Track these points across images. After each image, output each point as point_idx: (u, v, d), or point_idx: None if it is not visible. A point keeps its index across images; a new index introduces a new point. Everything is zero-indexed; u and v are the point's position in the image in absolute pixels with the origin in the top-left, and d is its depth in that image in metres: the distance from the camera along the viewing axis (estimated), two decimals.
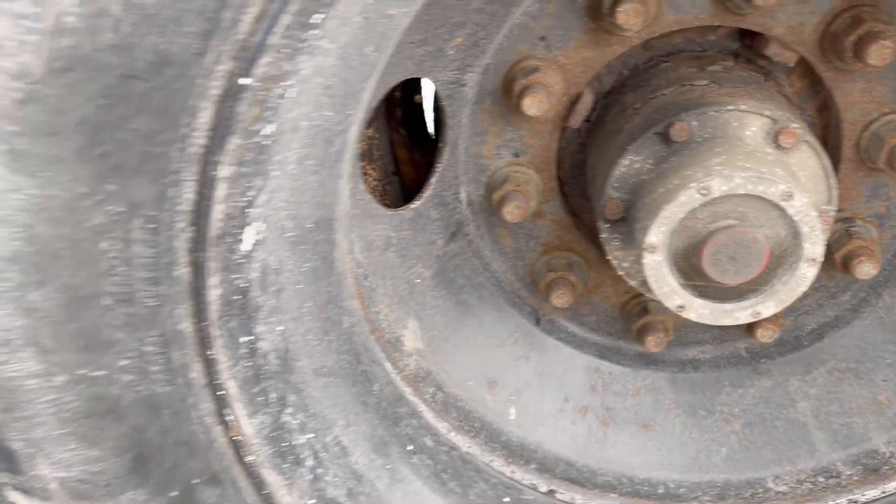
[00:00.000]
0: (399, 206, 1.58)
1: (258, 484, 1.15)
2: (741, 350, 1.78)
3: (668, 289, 1.31)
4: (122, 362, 1.00)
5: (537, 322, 1.76)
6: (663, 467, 1.75)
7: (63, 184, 0.87)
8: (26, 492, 1.11)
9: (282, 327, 1.12)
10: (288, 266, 1.09)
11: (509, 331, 1.74)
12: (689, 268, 1.30)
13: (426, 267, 1.64)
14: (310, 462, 1.21)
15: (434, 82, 1.45)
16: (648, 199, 1.32)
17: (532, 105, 1.43)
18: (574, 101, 1.53)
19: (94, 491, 1.09)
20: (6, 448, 1.07)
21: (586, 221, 1.67)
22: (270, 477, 1.15)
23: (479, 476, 1.52)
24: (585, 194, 1.65)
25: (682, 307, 1.33)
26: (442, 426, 1.58)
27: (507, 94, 1.50)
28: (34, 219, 0.88)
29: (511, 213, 1.54)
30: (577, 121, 1.55)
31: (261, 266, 1.03)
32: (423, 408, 1.56)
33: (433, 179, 1.56)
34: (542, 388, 1.77)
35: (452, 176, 1.58)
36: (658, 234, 1.26)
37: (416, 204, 1.57)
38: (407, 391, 1.53)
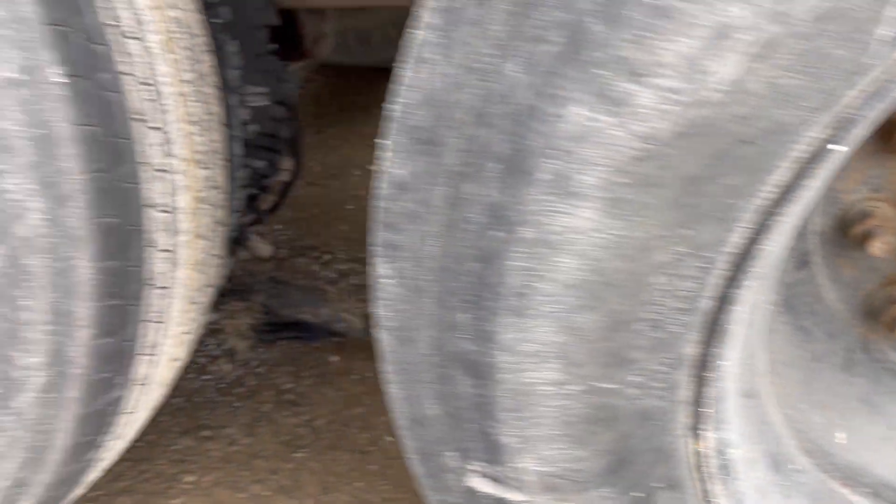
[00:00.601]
0: None
1: (705, 492, 1.27)
2: None
3: None
4: (633, 378, 1.13)
5: (865, 351, 1.81)
6: None
7: (646, 227, 1.00)
8: (498, 481, 1.26)
9: (735, 353, 1.23)
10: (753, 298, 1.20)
11: (839, 357, 1.80)
12: None
13: (776, 293, 1.72)
14: (737, 475, 1.32)
15: None
16: None
17: None
18: None
19: (567, 486, 1.23)
20: (496, 441, 1.22)
21: None
22: (716, 487, 1.27)
23: (837, 498, 1.60)
24: None
25: None
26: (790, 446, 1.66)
27: (884, 135, 1.56)
28: (607, 254, 1.02)
29: (879, 248, 1.60)
30: None
31: (747, 298, 1.15)
32: None
33: None
34: (867, 415, 1.82)
35: None
36: None
37: None
38: None
